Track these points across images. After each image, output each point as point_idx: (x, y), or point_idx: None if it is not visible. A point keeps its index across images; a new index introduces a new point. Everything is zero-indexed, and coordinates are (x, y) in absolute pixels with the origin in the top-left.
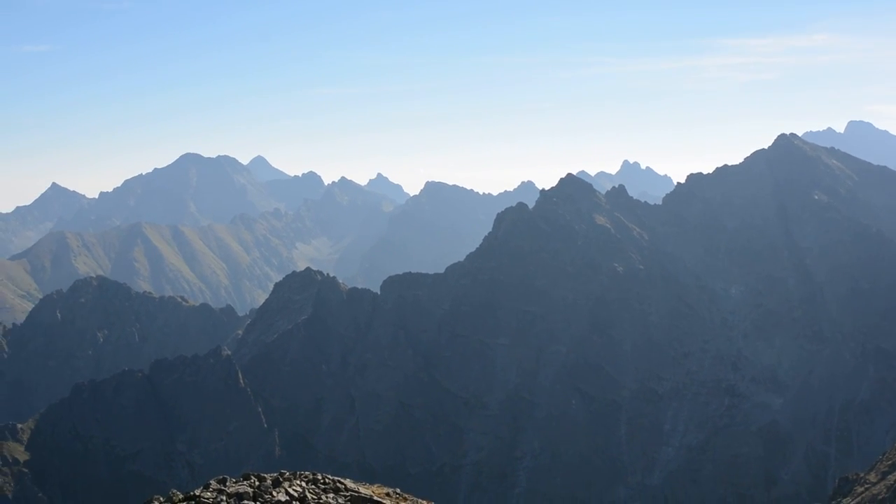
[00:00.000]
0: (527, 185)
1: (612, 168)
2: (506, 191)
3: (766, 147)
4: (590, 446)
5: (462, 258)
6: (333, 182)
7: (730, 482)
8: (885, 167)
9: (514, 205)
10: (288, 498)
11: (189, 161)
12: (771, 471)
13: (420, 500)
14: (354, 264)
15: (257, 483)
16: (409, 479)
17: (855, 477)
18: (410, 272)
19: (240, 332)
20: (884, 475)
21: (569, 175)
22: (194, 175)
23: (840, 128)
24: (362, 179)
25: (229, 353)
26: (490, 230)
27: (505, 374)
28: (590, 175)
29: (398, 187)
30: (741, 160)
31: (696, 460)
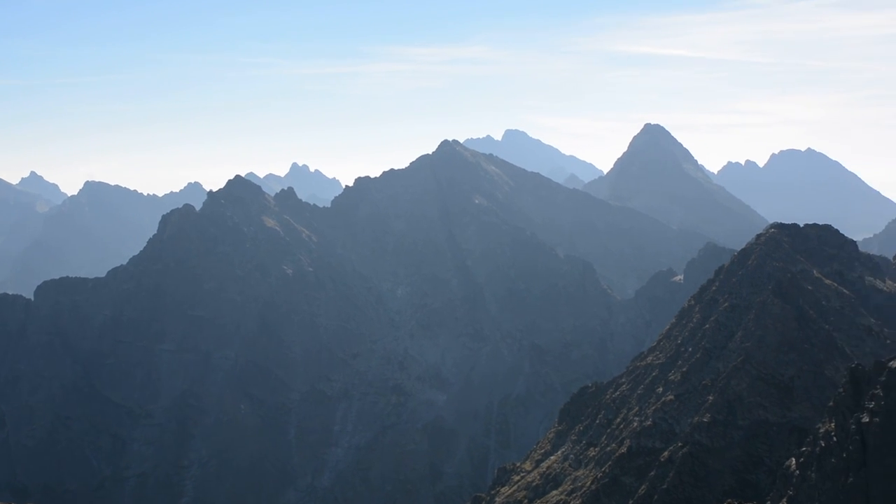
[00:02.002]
0: (194, 187)
1: (281, 170)
2: (172, 192)
3: (430, 152)
4: (259, 451)
5: (125, 262)
6: None
7: (397, 479)
8: (537, 174)
9: (180, 206)
10: None
11: None
12: (436, 465)
13: None
14: (5, 268)
15: None
16: (67, 495)
17: (512, 467)
18: (68, 276)
19: None
20: (538, 463)
21: (237, 177)
22: None
23: (498, 135)
24: (13, 178)
25: None
26: (155, 232)
27: (171, 380)
28: (258, 177)
29: (54, 187)
30: (407, 165)
31: (365, 459)
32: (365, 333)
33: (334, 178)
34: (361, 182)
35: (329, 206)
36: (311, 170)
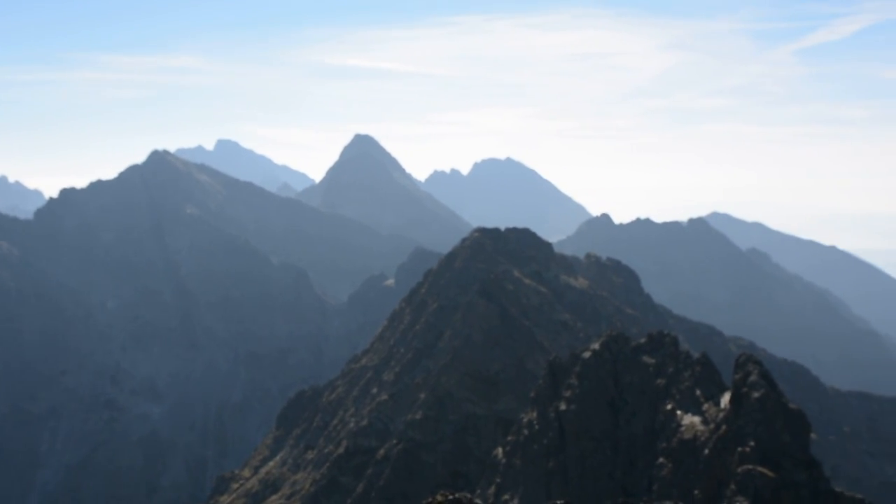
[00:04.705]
0: None
1: None
2: None
3: (140, 162)
4: None
5: None
6: None
7: (111, 496)
8: (250, 183)
9: None
10: None
11: None
12: (152, 479)
13: None
14: None
15: None
16: None
17: (231, 475)
18: None
19: None
20: (256, 469)
21: None
22: None
23: (210, 145)
24: None
25: None
26: None
27: None
28: None
29: None
30: (116, 175)
31: (76, 479)
32: (74, 348)
33: (37, 189)
34: (67, 193)
35: (32, 218)
36: (11, 181)
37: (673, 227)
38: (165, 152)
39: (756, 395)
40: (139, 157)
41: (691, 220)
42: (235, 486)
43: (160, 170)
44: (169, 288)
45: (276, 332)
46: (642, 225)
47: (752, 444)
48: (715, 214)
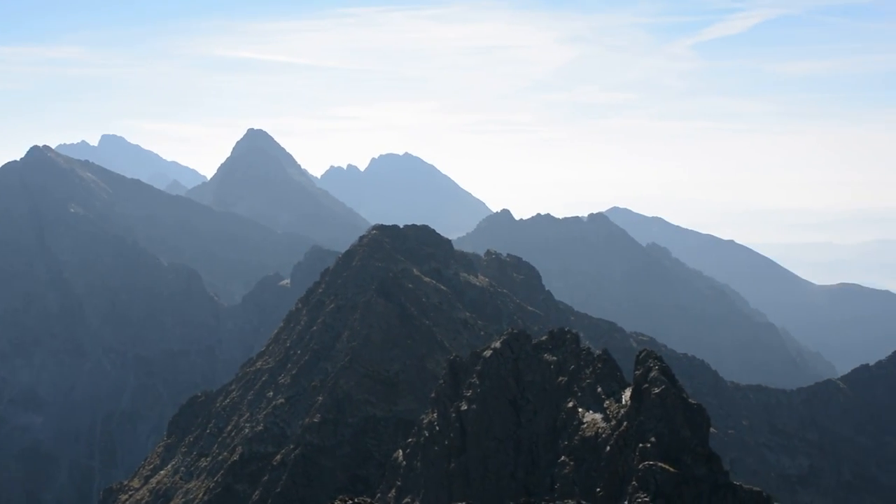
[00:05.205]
0: None
1: None
2: None
3: (18, 159)
4: None
5: None
6: None
7: None
8: (138, 180)
9: None
10: None
11: None
12: (34, 493)
13: None
14: None
15: None
16: None
17: (119, 486)
18: None
19: None
20: (147, 479)
21: None
22: None
23: (94, 141)
24: None
25: None
26: None
27: None
28: None
29: None
30: None
31: None
32: None
33: None
34: None
35: None
36: None
37: (573, 222)
38: (46, 148)
39: (656, 390)
40: (17, 154)
41: (591, 216)
42: (124, 497)
43: (40, 167)
44: (51, 292)
45: (167, 335)
46: (542, 221)
47: (652, 439)
48: (615, 209)
